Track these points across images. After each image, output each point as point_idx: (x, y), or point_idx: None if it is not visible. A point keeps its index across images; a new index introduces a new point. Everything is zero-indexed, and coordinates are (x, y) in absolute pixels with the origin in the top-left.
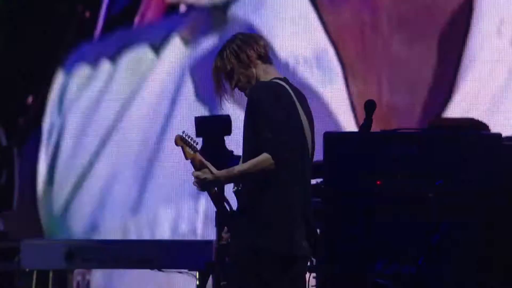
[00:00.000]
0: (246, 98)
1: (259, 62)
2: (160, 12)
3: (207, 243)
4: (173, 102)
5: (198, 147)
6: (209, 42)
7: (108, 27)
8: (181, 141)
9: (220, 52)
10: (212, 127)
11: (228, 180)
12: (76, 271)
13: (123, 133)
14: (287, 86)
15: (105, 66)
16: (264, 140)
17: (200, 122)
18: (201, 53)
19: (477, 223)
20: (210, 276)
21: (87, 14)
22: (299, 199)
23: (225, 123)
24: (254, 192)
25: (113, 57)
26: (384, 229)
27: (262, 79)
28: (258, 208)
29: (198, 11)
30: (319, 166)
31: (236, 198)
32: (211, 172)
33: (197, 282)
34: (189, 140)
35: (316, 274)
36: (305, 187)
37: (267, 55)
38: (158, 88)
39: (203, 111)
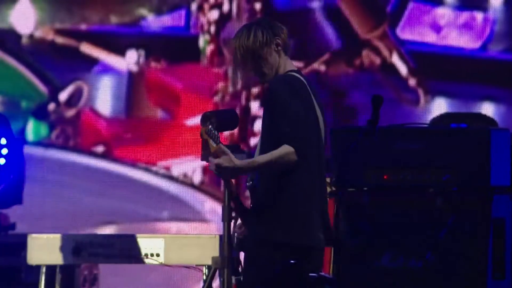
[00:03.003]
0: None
1: (282, 53)
2: None
3: (215, 237)
4: None
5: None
6: None
7: None
8: (205, 134)
9: (252, 31)
10: (219, 121)
11: (249, 170)
12: (83, 265)
13: None
14: (303, 79)
15: None
16: (283, 134)
17: (206, 117)
18: None
19: (483, 218)
20: (217, 271)
21: None
22: (317, 193)
23: (232, 118)
24: (273, 186)
25: None
26: (390, 223)
27: (281, 70)
28: (278, 202)
29: None
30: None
31: (250, 193)
32: (232, 161)
33: (204, 277)
34: (213, 132)
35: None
36: (322, 180)
37: (289, 46)
38: None
39: None
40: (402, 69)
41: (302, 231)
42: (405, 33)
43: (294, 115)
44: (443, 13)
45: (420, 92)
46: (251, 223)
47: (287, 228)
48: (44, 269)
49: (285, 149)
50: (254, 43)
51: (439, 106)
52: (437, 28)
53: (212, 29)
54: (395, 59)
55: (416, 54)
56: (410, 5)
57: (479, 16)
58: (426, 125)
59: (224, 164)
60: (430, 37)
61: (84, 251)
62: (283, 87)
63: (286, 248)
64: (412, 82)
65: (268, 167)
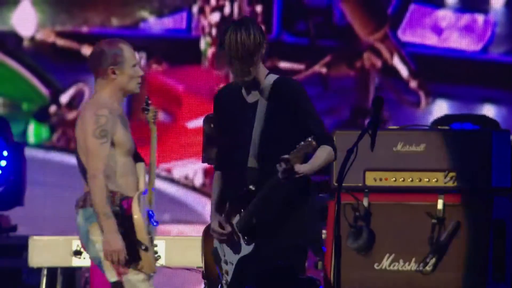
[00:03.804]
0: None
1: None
2: None
3: None
4: None
5: None
6: None
7: None
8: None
9: (251, 30)
10: None
11: (310, 173)
12: (84, 268)
13: None
14: None
15: None
16: (327, 137)
17: (208, 119)
18: None
19: (484, 220)
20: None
21: None
22: None
23: None
24: (296, 193)
25: None
26: (391, 225)
27: (260, 72)
28: (301, 208)
29: None
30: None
31: (246, 197)
32: (303, 167)
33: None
34: None
35: (323, 270)
36: None
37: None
38: None
39: None
40: (403, 71)
41: (319, 235)
42: (406, 35)
43: (320, 117)
44: (444, 16)
45: (421, 94)
46: (269, 228)
47: (309, 233)
48: (45, 271)
49: (328, 149)
50: (255, 43)
51: (440, 108)
52: (438, 30)
53: (214, 31)
54: (396, 61)
55: (417, 56)
56: (411, 7)
57: (480, 18)
58: (427, 127)
59: (302, 170)
60: (431, 39)
61: (85, 253)
62: (303, 89)
63: (306, 252)
64: (413, 84)
65: (320, 169)
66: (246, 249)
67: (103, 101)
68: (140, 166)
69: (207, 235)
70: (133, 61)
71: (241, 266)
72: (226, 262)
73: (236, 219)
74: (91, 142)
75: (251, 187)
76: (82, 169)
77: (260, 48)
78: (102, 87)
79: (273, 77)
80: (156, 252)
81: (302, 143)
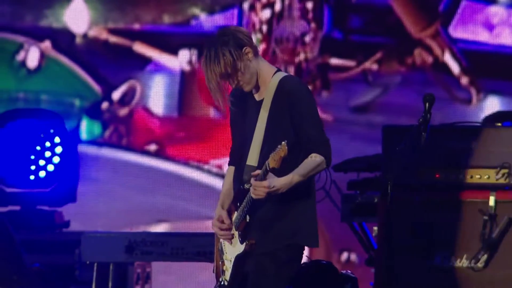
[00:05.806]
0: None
1: (256, 56)
2: None
3: None
4: None
5: None
6: None
7: None
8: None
9: (219, 54)
10: None
11: (287, 188)
12: (136, 263)
13: None
14: None
15: None
16: (320, 142)
17: None
18: None
19: None
20: None
21: None
22: None
23: None
24: (297, 192)
25: None
26: (442, 222)
27: (264, 72)
28: (301, 207)
29: None
30: (377, 160)
31: (242, 194)
32: (275, 183)
33: None
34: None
35: (374, 267)
36: None
37: (257, 46)
38: None
39: None
40: (455, 67)
41: (316, 233)
42: (458, 32)
43: (320, 121)
44: (496, 12)
45: (473, 91)
46: (262, 227)
47: (308, 232)
48: (97, 267)
49: (319, 159)
50: (226, 66)
51: (492, 105)
52: (489, 26)
53: (264, 28)
54: (447, 58)
55: (468, 52)
56: (463, 4)
57: None
58: (478, 124)
59: (276, 188)
60: (483, 36)
61: (137, 249)
62: (308, 91)
63: (302, 250)
64: (464, 80)
65: (304, 180)
66: (240, 247)
67: None
68: None
69: None
70: None
71: (236, 264)
72: (227, 259)
73: (235, 216)
74: None
75: (246, 185)
76: None
77: (235, 63)
78: None
79: (280, 75)
80: None
81: (279, 146)
